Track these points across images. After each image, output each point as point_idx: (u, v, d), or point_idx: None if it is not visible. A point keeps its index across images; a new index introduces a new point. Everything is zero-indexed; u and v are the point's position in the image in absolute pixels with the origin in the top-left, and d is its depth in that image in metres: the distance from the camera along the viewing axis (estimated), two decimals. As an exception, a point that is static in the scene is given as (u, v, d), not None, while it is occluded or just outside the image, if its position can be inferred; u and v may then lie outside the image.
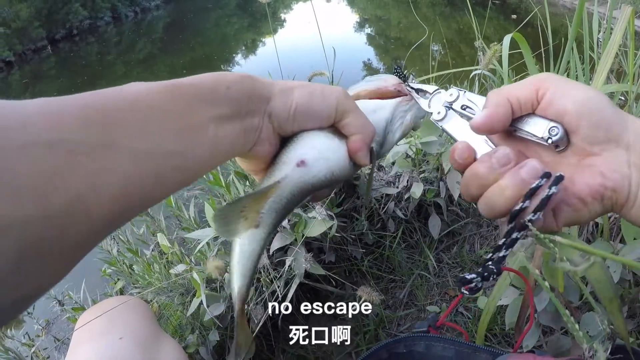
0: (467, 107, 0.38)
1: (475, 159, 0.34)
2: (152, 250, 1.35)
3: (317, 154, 0.37)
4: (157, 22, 13.21)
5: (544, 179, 0.30)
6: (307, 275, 0.94)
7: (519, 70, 1.54)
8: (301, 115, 0.36)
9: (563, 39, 1.17)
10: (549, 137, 0.32)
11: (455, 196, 1.06)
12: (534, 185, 0.30)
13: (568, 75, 1.13)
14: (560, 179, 0.30)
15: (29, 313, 1.64)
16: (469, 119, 0.37)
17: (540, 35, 1.48)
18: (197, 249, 0.93)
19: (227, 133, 0.32)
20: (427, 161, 1.10)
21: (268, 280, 0.90)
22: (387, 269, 1.19)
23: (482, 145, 0.36)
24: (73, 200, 0.23)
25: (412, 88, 0.43)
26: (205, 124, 0.31)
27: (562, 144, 0.33)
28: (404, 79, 0.44)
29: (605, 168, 0.31)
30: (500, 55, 1.12)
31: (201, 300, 0.92)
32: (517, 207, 0.31)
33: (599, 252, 0.40)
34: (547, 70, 1.46)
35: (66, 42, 11.66)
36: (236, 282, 0.35)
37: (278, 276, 0.87)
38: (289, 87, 0.36)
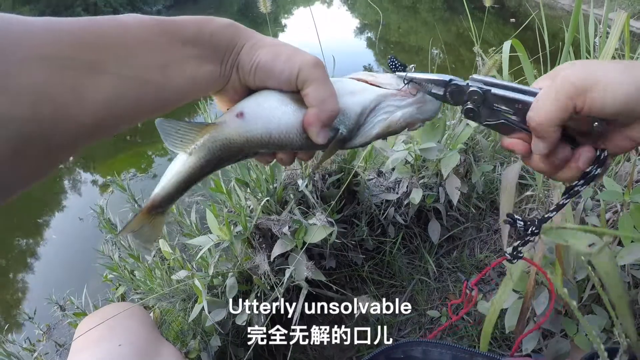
0: (499, 103, 0.39)
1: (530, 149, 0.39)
2: (154, 256, 1.35)
3: (258, 112, 0.38)
4: (158, 28, 13.23)
5: (595, 165, 0.38)
6: (308, 281, 0.94)
7: (518, 75, 1.56)
8: (261, 73, 0.38)
9: (560, 43, 1.18)
10: (594, 130, 0.37)
11: (455, 201, 1.07)
12: (587, 170, 0.38)
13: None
14: (604, 160, 0.38)
15: (30, 318, 1.65)
16: (502, 110, 0.39)
17: (538, 38, 1.49)
18: (199, 255, 0.94)
19: (203, 74, 0.36)
20: (427, 167, 1.11)
21: (268, 286, 0.91)
22: (387, 275, 1.20)
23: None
24: (60, 108, 0.28)
25: (419, 79, 0.40)
26: (185, 62, 0.34)
27: None
28: (402, 69, 0.42)
29: (635, 135, 0.36)
30: (500, 64, 1.13)
31: (203, 307, 0.93)
32: (573, 184, 0.40)
33: (606, 230, 0.45)
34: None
35: (67, 47, 11.67)
36: (156, 188, 0.38)
37: (279, 283, 0.88)
38: (260, 43, 0.38)
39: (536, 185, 1.24)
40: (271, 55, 0.37)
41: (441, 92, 0.40)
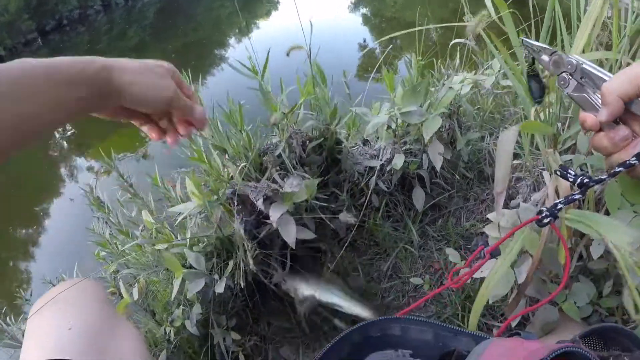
0: (585, 77, 0.46)
1: (600, 128, 0.45)
2: (142, 231, 1.36)
3: None
4: (148, 9, 13.00)
5: None
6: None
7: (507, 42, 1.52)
8: (136, 101, 0.49)
9: (554, 13, 1.15)
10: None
11: (438, 167, 1.06)
12: None
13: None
14: None
15: (26, 300, 1.65)
16: (586, 85, 0.47)
17: (531, 7, 1.46)
18: (177, 221, 0.93)
19: (84, 107, 0.45)
20: (409, 132, 1.09)
21: (246, 250, 0.90)
22: (371, 242, 1.20)
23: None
24: None
25: (534, 46, 0.50)
26: (69, 100, 0.43)
27: None
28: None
29: None
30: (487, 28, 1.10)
31: (182, 278, 0.92)
32: (631, 161, 0.44)
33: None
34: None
35: (56, 33, 11.50)
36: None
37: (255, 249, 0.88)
38: (126, 73, 0.48)
39: (524, 154, 1.22)
40: (141, 87, 0.48)
41: (547, 59, 0.49)
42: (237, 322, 1.06)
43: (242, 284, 0.87)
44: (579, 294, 0.82)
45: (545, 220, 0.55)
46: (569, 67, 0.47)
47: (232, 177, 0.94)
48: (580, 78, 0.47)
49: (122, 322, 0.69)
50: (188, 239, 0.90)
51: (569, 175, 0.51)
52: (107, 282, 1.38)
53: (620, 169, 0.45)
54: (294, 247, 0.87)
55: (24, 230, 3.92)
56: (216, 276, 0.94)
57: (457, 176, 1.27)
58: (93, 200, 1.48)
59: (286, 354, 1.10)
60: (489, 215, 0.90)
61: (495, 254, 0.65)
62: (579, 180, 0.50)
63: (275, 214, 0.87)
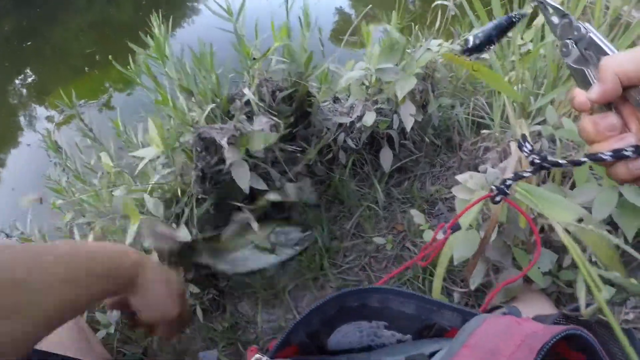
0: (590, 50, 0.41)
1: (590, 109, 0.40)
2: (100, 178, 1.30)
3: None
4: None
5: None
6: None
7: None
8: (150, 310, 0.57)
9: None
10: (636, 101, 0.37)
11: (408, 128, 1.05)
12: (627, 153, 0.37)
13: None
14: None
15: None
16: (589, 59, 0.41)
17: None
18: (139, 167, 0.89)
19: (103, 296, 0.52)
20: (382, 90, 1.08)
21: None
22: (335, 200, 1.19)
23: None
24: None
25: (546, 3, 0.45)
26: (99, 291, 0.48)
27: None
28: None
29: None
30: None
31: (138, 227, 0.89)
32: (603, 156, 0.38)
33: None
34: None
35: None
36: None
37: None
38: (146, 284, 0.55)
39: (494, 125, 1.24)
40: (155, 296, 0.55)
41: (556, 21, 0.44)
42: (196, 274, 1.05)
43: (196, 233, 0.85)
44: (543, 260, 0.84)
45: (497, 198, 0.54)
46: (576, 33, 0.42)
47: (197, 121, 0.90)
48: (585, 49, 0.41)
49: None
50: (149, 185, 0.87)
51: (524, 148, 0.47)
52: (62, 232, 1.33)
53: (585, 159, 0.39)
54: (247, 192, 0.85)
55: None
56: (174, 225, 0.91)
57: (427, 139, 1.28)
58: (50, 144, 1.41)
59: (244, 310, 1.10)
60: (458, 177, 0.90)
61: (455, 228, 0.64)
62: (530, 158, 0.46)
63: (231, 155, 0.83)
